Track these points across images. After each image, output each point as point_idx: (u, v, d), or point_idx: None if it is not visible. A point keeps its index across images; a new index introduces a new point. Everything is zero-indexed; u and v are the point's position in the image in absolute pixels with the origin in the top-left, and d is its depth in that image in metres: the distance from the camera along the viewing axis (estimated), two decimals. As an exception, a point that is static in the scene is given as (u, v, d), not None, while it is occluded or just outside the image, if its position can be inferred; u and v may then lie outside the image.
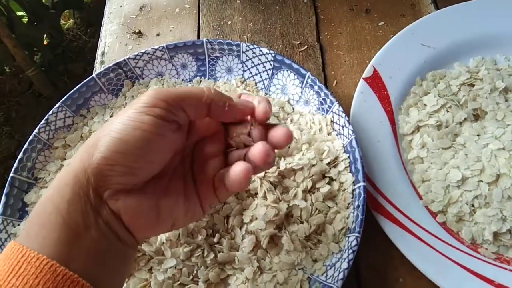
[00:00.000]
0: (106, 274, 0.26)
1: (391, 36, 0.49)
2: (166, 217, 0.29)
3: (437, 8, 0.53)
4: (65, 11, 1.44)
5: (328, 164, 0.40)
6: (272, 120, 0.43)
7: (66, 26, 1.47)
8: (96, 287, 0.24)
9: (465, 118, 0.43)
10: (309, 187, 0.40)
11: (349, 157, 0.40)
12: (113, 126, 0.27)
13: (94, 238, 0.25)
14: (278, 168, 0.40)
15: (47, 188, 0.27)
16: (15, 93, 1.33)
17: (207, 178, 0.31)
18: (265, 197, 0.39)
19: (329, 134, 0.42)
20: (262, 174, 0.40)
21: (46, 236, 0.24)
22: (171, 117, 0.28)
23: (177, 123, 0.29)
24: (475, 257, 0.37)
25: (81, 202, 0.25)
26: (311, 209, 0.38)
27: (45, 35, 1.35)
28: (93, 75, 0.48)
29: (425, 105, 0.44)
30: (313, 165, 0.40)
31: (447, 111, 0.43)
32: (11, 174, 0.42)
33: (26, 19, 1.30)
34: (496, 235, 0.38)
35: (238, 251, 0.38)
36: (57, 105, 0.46)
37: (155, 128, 0.27)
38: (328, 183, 0.40)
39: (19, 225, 0.41)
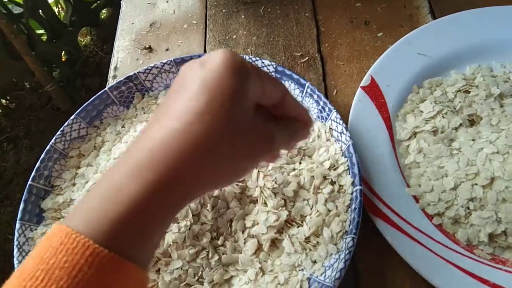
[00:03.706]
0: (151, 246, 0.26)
1: (389, 46, 0.51)
2: None
3: (435, 18, 0.54)
4: (82, 29, 1.50)
5: (329, 168, 0.42)
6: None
7: (83, 43, 1.53)
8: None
9: (460, 124, 0.44)
10: (315, 185, 0.41)
11: (347, 160, 0.42)
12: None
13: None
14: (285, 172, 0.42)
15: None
16: (34, 107, 1.38)
17: None
18: (265, 204, 0.41)
19: (328, 140, 0.44)
20: (262, 183, 0.42)
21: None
22: None
23: None
24: (471, 258, 0.38)
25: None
26: (312, 211, 0.40)
27: (63, 52, 1.41)
28: (106, 88, 0.51)
29: (421, 111, 0.46)
30: (314, 169, 0.42)
31: (443, 117, 0.45)
32: (29, 182, 0.45)
33: (45, 37, 1.36)
34: (491, 236, 0.39)
35: (241, 253, 0.40)
36: (72, 117, 0.49)
37: None
38: (330, 184, 0.42)
39: (36, 229, 0.44)
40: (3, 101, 1.40)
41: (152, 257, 0.27)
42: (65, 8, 1.43)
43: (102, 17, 1.55)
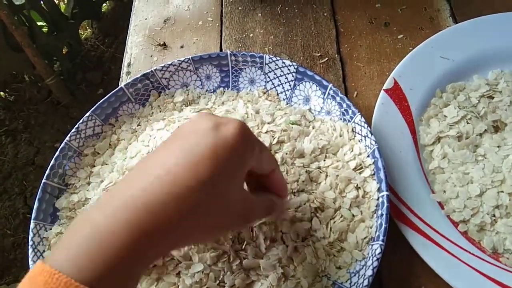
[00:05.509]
0: None
1: (410, 48, 0.50)
2: None
3: (456, 21, 0.54)
4: (84, 22, 1.48)
5: (354, 169, 0.42)
6: (294, 128, 0.45)
7: (84, 36, 1.51)
8: None
9: (485, 130, 0.43)
10: (339, 188, 0.41)
11: (373, 162, 0.41)
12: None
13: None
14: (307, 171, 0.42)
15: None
16: (34, 101, 1.36)
17: None
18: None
19: (350, 140, 0.43)
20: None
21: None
22: None
23: None
24: (497, 265, 0.38)
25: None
26: (336, 215, 0.40)
27: (64, 45, 1.38)
28: (121, 85, 0.49)
29: (445, 116, 0.45)
30: (339, 168, 0.41)
31: (467, 123, 0.44)
32: (43, 180, 0.44)
33: (46, 29, 1.34)
34: (517, 245, 0.38)
35: (262, 258, 0.39)
36: (87, 114, 0.47)
37: None
38: (355, 189, 0.41)
39: (51, 229, 0.43)
40: (2, 93, 1.38)
41: None
42: (66, 0, 1.40)
43: (104, 10, 1.53)
